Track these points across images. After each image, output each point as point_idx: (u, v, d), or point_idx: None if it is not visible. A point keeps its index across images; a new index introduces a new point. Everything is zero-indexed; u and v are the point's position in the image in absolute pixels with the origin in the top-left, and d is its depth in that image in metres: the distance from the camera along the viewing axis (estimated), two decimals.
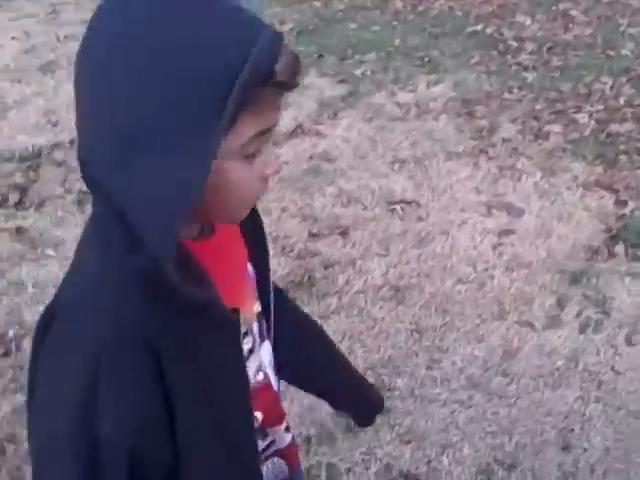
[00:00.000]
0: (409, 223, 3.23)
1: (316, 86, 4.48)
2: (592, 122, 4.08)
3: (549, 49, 5.02)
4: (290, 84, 0.78)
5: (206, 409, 0.85)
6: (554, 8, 5.79)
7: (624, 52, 4.98)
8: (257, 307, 1.05)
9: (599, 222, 3.27)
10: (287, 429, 1.12)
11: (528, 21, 5.57)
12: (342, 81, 4.47)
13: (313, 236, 3.19)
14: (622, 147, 3.87)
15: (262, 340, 1.06)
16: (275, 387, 1.08)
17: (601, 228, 3.24)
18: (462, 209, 3.33)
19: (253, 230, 1.04)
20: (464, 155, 3.74)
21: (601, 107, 4.26)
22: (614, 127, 4.04)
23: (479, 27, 5.35)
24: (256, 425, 1.00)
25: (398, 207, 3.28)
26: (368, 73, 4.64)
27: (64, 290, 0.86)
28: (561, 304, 2.83)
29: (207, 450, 0.85)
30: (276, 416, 1.08)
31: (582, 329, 2.73)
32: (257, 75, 0.73)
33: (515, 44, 5.10)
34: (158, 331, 0.79)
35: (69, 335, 0.81)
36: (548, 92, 4.41)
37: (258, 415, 1.01)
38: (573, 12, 5.79)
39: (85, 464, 0.78)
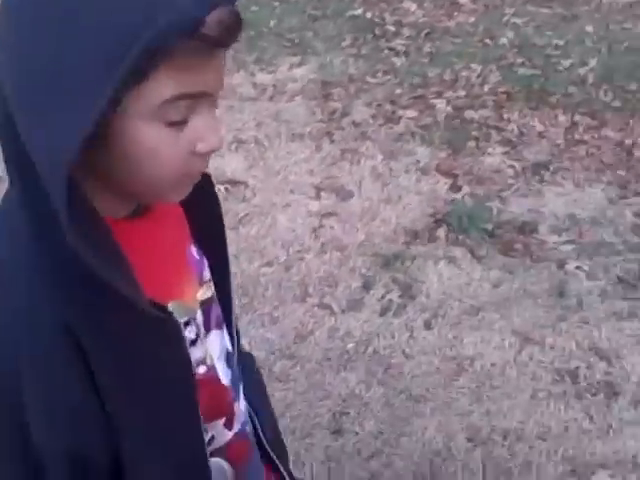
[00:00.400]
0: (232, 204, 3.15)
1: None
2: (449, 108, 4.06)
3: (426, 35, 4.99)
4: (219, 41, 0.69)
5: (138, 400, 0.80)
6: None
7: (502, 41, 4.96)
8: (202, 294, 0.96)
9: (427, 206, 3.24)
10: (228, 425, 1.01)
11: (414, 7, 5.53)
12: None
13: None
14: (474, 133, 3.85)
15: (208, 330, 0.96)
16: (224, 381, 0.97)
17: (428, 212, 3.21)
18: (291, 191, 3.27)
19: (204, 210, 0.95)
20: (308, 137, 3.67)
21: (463, 93, 4.23)
22: (470, 113, 4.02)
23: (360, 11, 5.29)
24: None
25: (223, 187, 3.20)
26: (231, 52, 4.54)
27: None
28: (367, 287, 2.79)
29: (145, 447, 0.81)
30: (216, 411, 0.98)
31: (383, 312, 2.69)
32: (175, 24, 0.66)
33: (393, 29, 5.05)
34: (75, 317, 0.75)
35: None
36: (413, 77, 4.37)
37: None
38: (462, 0, 5.79)
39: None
